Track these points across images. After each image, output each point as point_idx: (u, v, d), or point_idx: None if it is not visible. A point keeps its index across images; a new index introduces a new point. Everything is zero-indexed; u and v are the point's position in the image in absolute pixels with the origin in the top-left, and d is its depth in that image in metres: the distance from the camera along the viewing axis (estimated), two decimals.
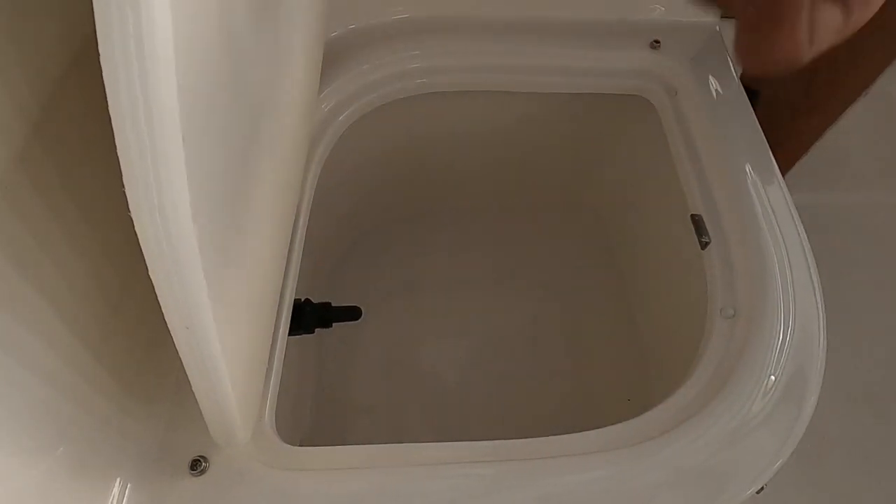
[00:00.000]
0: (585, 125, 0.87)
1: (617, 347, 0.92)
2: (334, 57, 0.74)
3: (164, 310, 0.33)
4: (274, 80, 0.47)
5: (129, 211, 0.27)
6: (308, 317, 0.66)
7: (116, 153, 0.25)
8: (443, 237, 0.97)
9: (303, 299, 0.67)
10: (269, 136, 0.46)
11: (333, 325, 0.68)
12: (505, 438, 0.51)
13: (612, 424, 0.54)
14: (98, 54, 0.22)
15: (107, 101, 0.23)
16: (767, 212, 0.66)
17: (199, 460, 0.48)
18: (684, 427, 0.52)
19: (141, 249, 0.29)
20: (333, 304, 0.69)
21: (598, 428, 0.53)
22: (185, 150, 0.26)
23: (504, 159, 0.90)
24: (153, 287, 0.31)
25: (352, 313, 0.69)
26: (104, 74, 0.23)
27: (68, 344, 0.43)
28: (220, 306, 0.35)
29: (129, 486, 0.47)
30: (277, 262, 0.57)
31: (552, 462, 0.50)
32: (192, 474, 0.48)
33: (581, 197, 0.99)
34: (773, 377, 0.55)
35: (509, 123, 0.86)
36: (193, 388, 0.38)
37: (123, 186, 0.26)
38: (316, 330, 0.67)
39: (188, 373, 0.37)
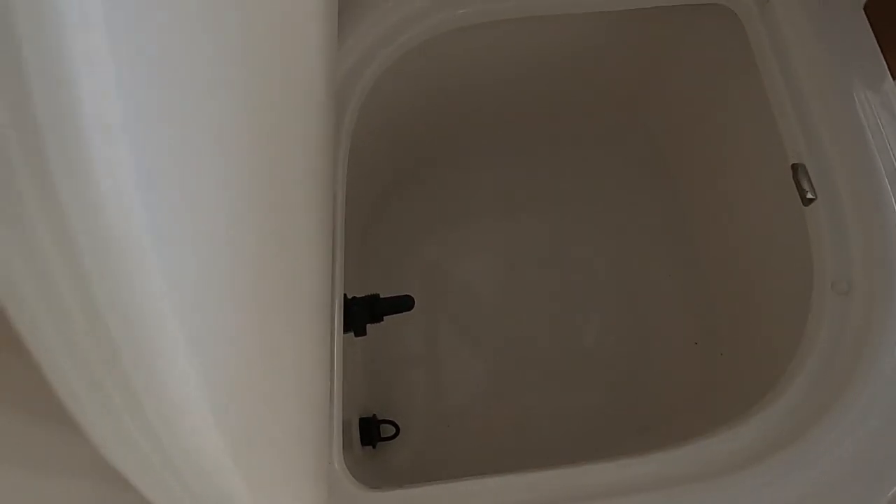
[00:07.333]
0: (648, 47, 0.74)
1: (679, 288, 0.84)
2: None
3: None
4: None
5: None
6: (357, 316, 0.58)
7: None
8: (487, 177, 0.86)
9: (348, 296, 0.59)
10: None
11: (384, 318, 0.61)
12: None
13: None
14: None
15: None
16: (889, 155, 0.55)
17: None
18: (816, 433, 0.46)
19: None
20: (382, 296, 0.61)
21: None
22: None
23: (552, 91, 0.78)
24: None
25: (403, 303, 0.61)
26: None
27: None
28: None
29: None
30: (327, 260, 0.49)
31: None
32: None
33: (643, 136, 0.86)
34: None
35: (560, 51, 0.73)
36: None
37: None
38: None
39: None
